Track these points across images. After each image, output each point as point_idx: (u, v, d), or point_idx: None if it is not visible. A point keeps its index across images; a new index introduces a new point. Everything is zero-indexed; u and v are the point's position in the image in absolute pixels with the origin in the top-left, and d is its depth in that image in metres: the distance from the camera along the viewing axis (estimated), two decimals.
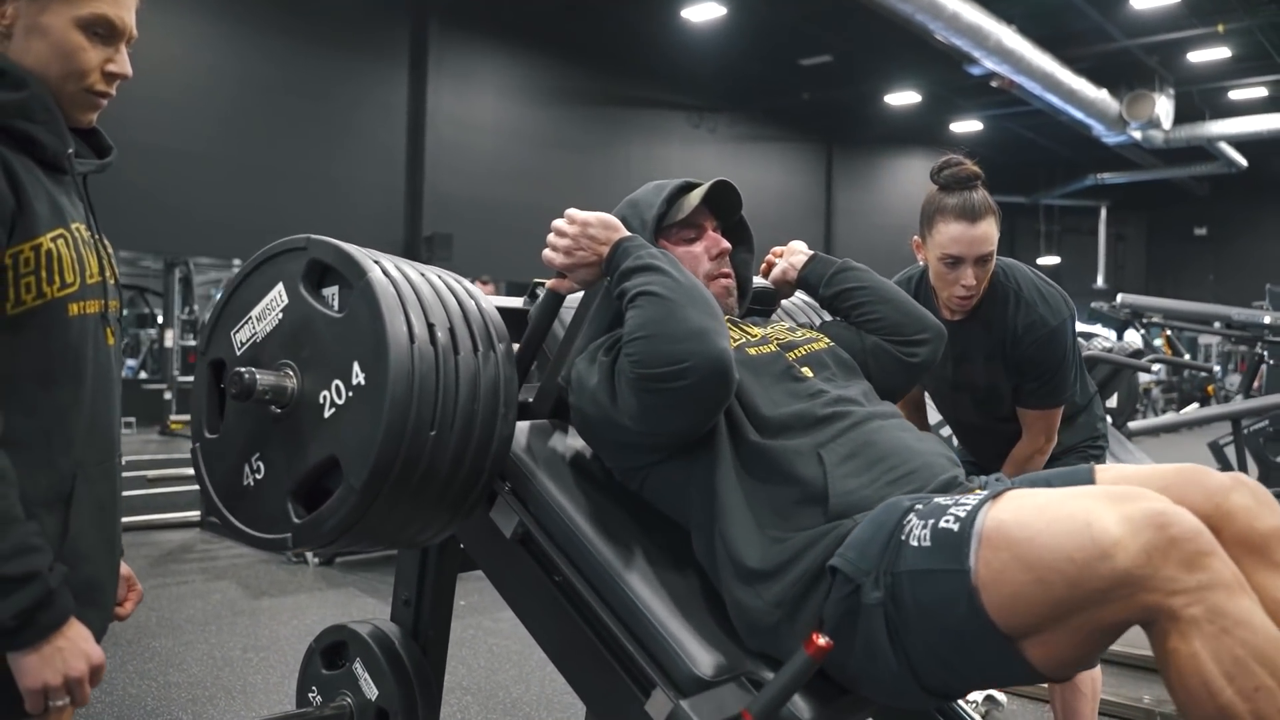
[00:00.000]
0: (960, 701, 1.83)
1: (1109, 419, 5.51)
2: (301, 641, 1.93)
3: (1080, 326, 5.44)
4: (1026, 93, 16.32)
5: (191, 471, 5.53)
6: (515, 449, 1.66)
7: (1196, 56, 17.57)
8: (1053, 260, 26.39)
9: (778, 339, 1.80)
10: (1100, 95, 17.45)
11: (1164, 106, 18.49)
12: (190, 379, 11.47)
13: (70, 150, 1.38)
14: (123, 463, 1.48)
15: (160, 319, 11.85)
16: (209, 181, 12.69)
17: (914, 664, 1.38)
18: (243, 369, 1.45)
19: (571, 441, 1.73)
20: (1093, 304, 8.16)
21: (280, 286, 1.53)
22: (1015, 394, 2.51)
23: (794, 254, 2.08)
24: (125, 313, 11.58)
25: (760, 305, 2.03)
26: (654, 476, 1.64)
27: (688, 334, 1.48)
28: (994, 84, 16.37)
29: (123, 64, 1.40)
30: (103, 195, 1.48)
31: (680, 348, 1.48)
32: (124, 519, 1.48)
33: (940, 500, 1.42)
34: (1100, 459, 2.69)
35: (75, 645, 1.26)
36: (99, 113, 1.43)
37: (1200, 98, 19.47)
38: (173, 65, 12.66)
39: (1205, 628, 1.17)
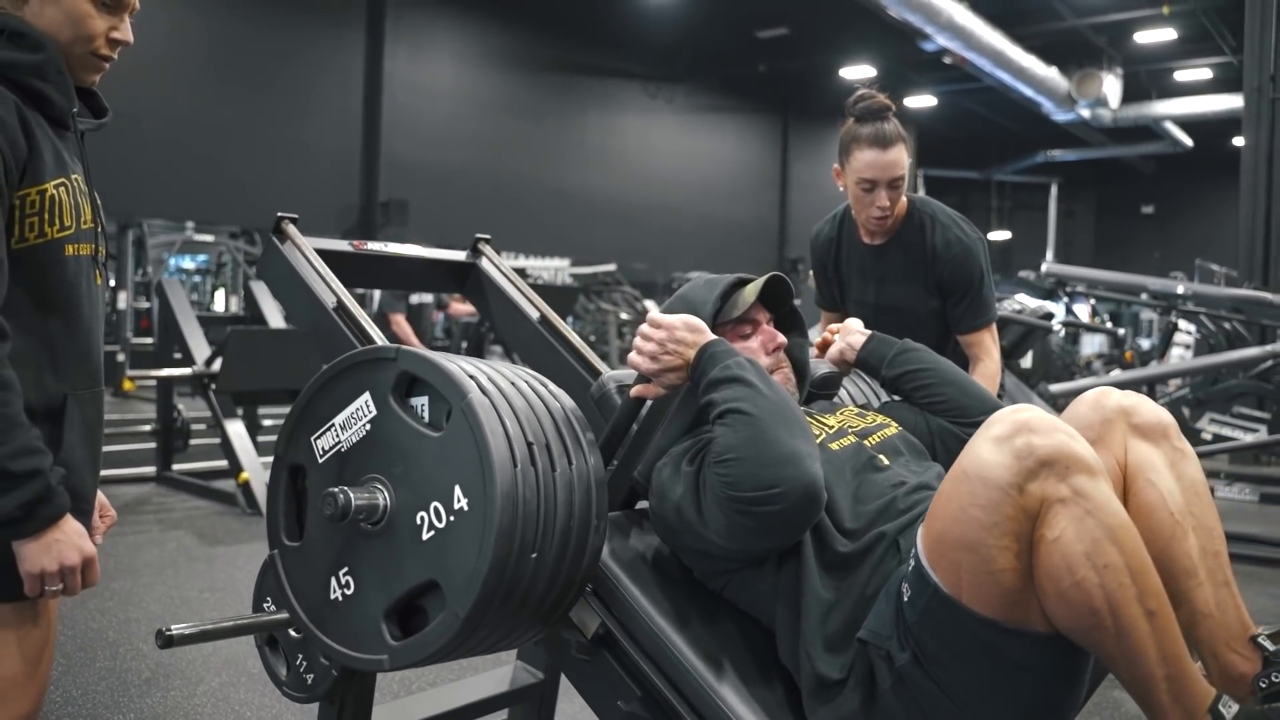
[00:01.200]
0: None
1: (1022, 382, 5.66)
2: None
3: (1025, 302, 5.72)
4: (978, 69, 16.48)
5: (147, 428, 5.60)
6: None
7: (1143, 37, 17.85)
8: (1004, 235, 26.71)
9: (852, 428, 1.80)
10: (1050, 73, 17.68)
11: (1111, 86, 18.78)
12: (142, 340, 11.37)
13: (75, 109, 1.56)
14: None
15: (113, 281, 11.65)
16: (162, 144, 12.39)
17: (973, 710, 1.40)
18: (336, 489, 1.41)
19: (649, 538, 1.71)
20: (1020, 273, 8.32)
21: (367, 396, 1.48)
22: (948, 319, 2.70)
23: (850, 334, 2.07)
24: (112, 259, 11.48)
25: (821, 390, 2.02)
26: (736, 581, 1.63)
27: (781, 459, 1.48)
28: (946, 60, 16.53)
29: (125, 32, 1.58)
30: None
31: (773, 473, 1.47)
32: None
33: None
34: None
35: (70, 539, 1.44)
36: (101, 75, 1.61)
37: (1147, 78, 19.78)
38: None
39: (1072, 509, 1.30)
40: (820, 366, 2.03)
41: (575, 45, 17.64)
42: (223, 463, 6.08)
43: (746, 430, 1.51)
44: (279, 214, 2.06)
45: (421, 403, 1.48)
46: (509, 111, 16.55)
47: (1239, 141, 8.99)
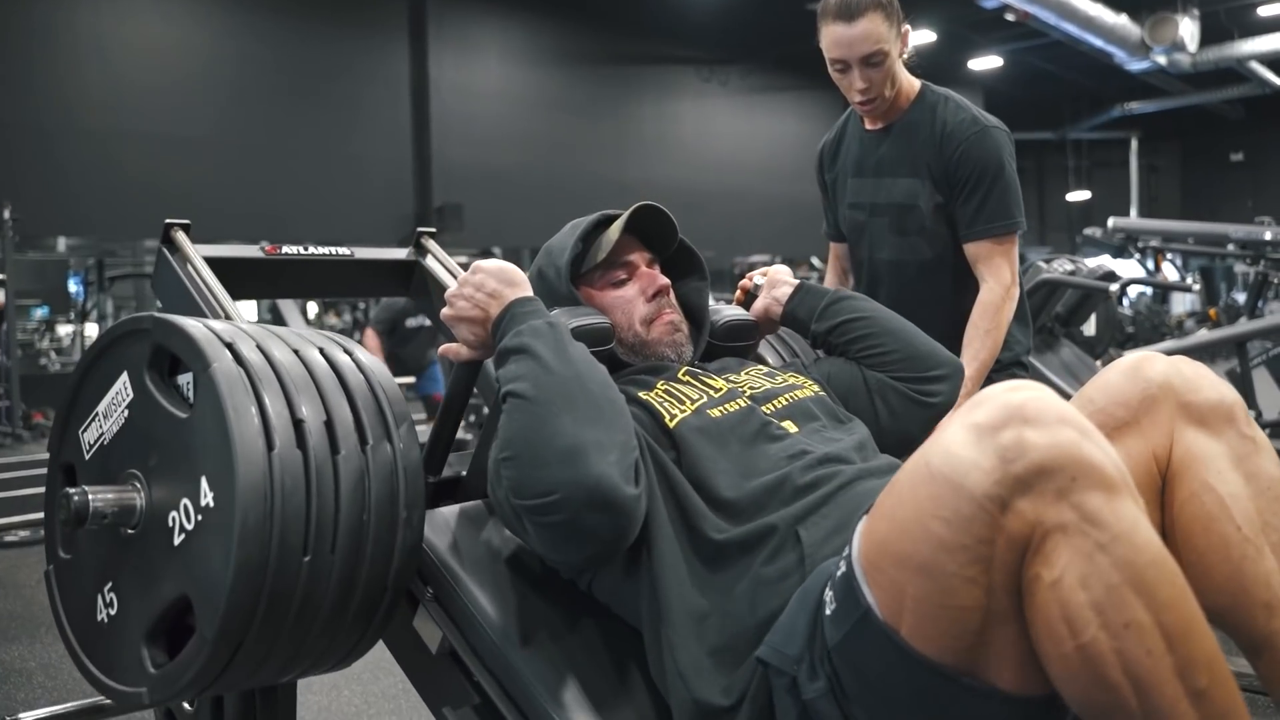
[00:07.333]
0: None
1: (1085, 353, 4.97)
2: None
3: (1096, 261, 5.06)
4: (1042, 23, 15.78)
5: None
6: (438, 544, 1.38)
7: None
8: (1083, 195, 25.81)
9: (750, 388, 1.48)
10: (1120, 20, 16.87)
11: (1188, 28, 17.90)
12: None
13: None
14: None
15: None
16: (212, 167, 12.46)
17: None
18: (72, 490, 1.17)
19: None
20: (1084, 231, 7.72)
21: (125, 377, 1.24)
22: (956, 223, 2.28)
23: (777, 285, 1.75)
24: None
25: (726, 341, 1.68)
26: (599, 577, 1.35)
27: (556, 457, 1.18)
28: (1009, 16, 15.92)
29: None
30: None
31: (548, 475, 1.18)
32: None
33: None
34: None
35: None
36: None
37: (1227, 16, 18.84)
38: (170, 51, 12.43)
39: (1076, 540, 0.91)
40: (727, 313, 1.70)
41: (622, 34, 17.36)
42: None
43: (523, 419, 1.22)
44: (167, 220, 1.83)
45: (187, 379, 1.23)
46: (559, 107, 16.35)
47: None
